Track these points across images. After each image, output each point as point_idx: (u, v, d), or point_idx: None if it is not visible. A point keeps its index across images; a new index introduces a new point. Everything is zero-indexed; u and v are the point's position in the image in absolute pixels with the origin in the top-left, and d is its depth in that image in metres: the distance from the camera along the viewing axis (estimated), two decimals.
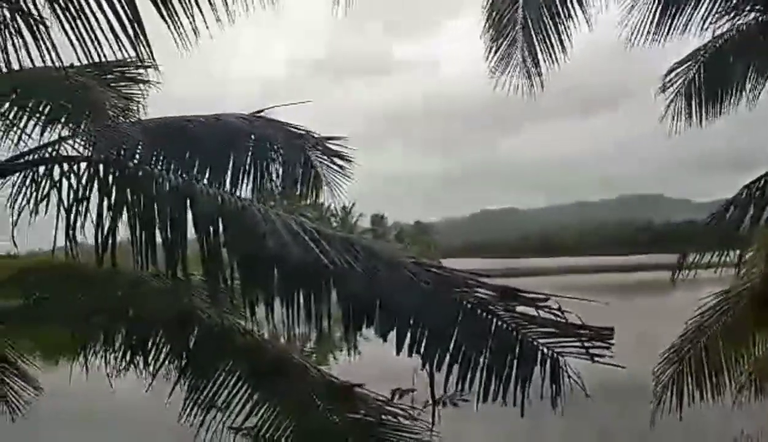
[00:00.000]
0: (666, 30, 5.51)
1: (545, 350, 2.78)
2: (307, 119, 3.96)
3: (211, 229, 2.72)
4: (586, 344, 2.71)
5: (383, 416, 3.73)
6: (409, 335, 2.82)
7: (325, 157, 3.95)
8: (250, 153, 3.48)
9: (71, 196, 2.91)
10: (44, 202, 2.99)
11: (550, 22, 5.90)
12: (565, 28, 5.85)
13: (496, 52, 6.27)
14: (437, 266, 3.18)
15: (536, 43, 6.06)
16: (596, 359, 2.68)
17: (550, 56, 6.05)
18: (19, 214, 2.97)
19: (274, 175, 3.61)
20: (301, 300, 2.82)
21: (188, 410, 3.67)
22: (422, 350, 2.82)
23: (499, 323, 2.84)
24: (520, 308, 2.87)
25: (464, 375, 2.81)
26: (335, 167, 4.02)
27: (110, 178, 2.93)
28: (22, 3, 2.99)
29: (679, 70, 6.30)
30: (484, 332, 2.83)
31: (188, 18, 2.87)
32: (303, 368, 3.80)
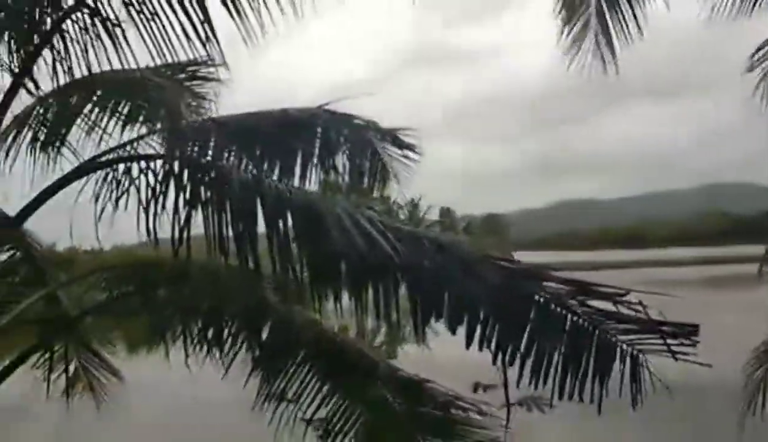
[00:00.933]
0: (751, 6, 5.13)
1: (624, 346, 2.65)
2: (378, 111, 3.95)
3: (280, 222, 2.76)
4: (668, 341, 2.55)
5: (452, 411, 3.69)
6: (479, 329, 2.76)
7: (394, 149, 3.93)
8: (317, 146, 3.50)
9: (149, 192, 3.02)
10: (124, 199, 3.10)
11: (626, 2, 5.63)
12: (641, 7, 5.56)
13: (568, 34, 6.04)
14: (508, 259, 3.09)
15: (611, 25, 5.81)
16: (679, 356, 2.53)
17: (626, 38, 5.79)
18: (102, 211, 3.10)
19: (341, 168, 3.62)
20: (369, 293, 2.82)
21: (261, 400, 3.77)
22: (493, 344, 2.75)
23: (575, 318, 2.72)
24: (598, 303, 2.75)
25: (538, 371, 2.72)
26: (403, 159, 3.99)
27: (185, 174, 3.01)
28: (100, 8, 3.15)
29: (767, 48, 5.86)
30: (558, 327, 2.73)
31: (255, 15, 2.94)
32: (372, 361, 3.80)
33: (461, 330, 2.74)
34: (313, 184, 3.44)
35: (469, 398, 3.73)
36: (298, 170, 3.38)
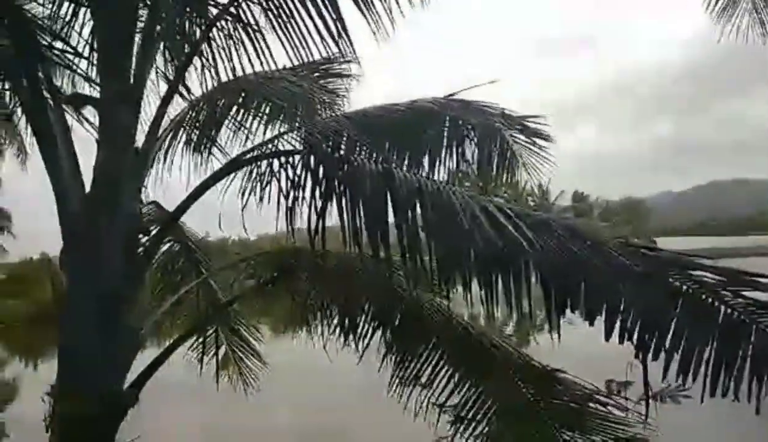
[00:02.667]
0: None
1: None
2: (508, 99, 3.89)
3: (410, 213, 2.81)
4: None
5: (589, 404, 3.56)
6: (619, 320, 2.63)
7: (523, 137, 3.85)
8: (445, 136, 3.52)
9: (288, 185, 3.20)
10: (267, 192, 3.31)
11: None
12: None
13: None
14: (649, 246, 2.91)
15: None
16: None
17: None
18: (245, 204, 3.33)
19: (469, 157, 3.61)
20: (499, 282, 2.79)
21: (394, 385, 3.88)
22: (635, 337, 2.61)
23: (728, 310, 2.51)
24: (754, 294, 2.51)
25: (685, 367, 2.54)
26: (533, 147, 3.90)
27: (320, 168, 3.16)
28: (242, 15, 3.39)
29: None
30: (708, 319, 2.52)
31: (385, 9, 3.02)
32: (505, 350, 3.77)
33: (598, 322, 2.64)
34: (442, 174, 3.47)
35: (610, 393, 3.58)
36: (427, 160, 3.43)
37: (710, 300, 2.55)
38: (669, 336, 2.54)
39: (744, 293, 2.52)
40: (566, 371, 3.64)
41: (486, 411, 3.69)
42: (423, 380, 3.86)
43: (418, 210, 2.79)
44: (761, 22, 5.36)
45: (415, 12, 3.07)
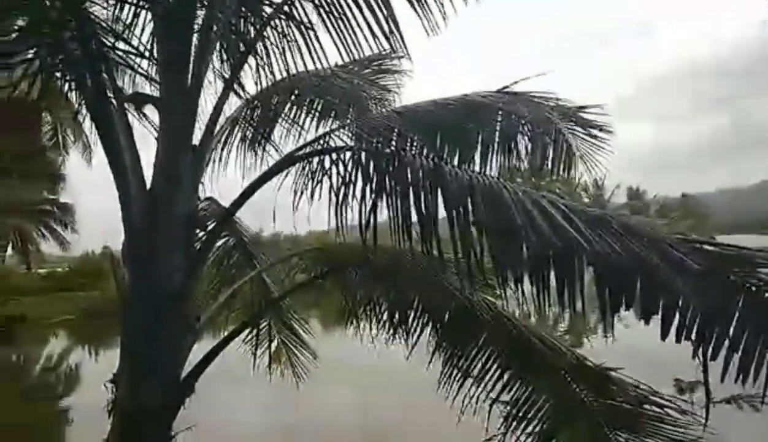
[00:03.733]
0: None
1: None
2: (562, 90, 3.80)
3: (461, 208, 2.79)
4: None
5: (644, 405, 3.46)
6: (677, 319, 2.55)
7: (579, 129, 3.76)
8: (497, 129, 3.48)
9: (339, 181, 3.23)
10: (318, 188, 3.35)
11: None
12: None
13: None
14: (710, 242, 2.81)
15: None
16: None
17: None
18: (299, 200, 3.38)
19: (522, 151, 3.56)
20: (552, 279, 2.75)
21: (444, 380, 3.87)
22: (693, 336, 2.52)
23: None
24: None
25: (746, 367, 2.45)
26: (590, 139, 3.81)
27: (371, 164, 3.17)
28: (295, 13, 3.45)
29: None
30: None
31: (437, 4, 3.01)
32: (557, 348, 3.71)
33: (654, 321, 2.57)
34: (494, 169, 3.43)
35: (667, 394, 3.47)
36: (478, 155, 3.40)
37: None
38: (729, 335, 2.45)
39: None
40: (620, 370, 3.55)
41: (538, 410, 3.64)
42: (473, 377, 3.84)
43: (470, 206, 2.77)
44: None
45: (468, 6, 3.05)
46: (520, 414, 3.65)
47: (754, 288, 2.47)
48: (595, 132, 3.85)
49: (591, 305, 2.75)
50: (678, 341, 2.56)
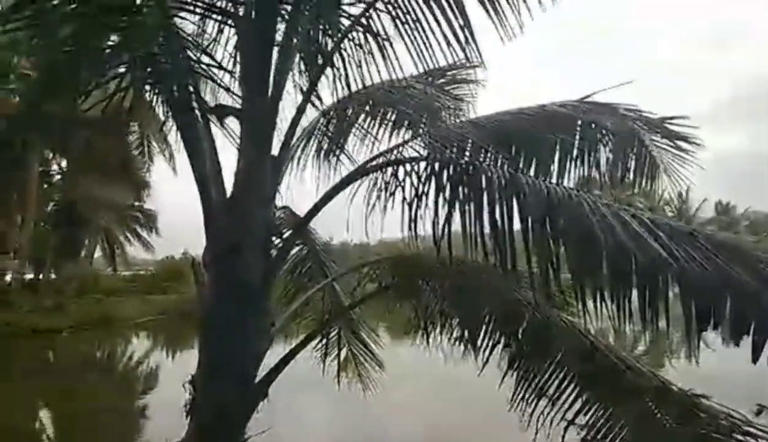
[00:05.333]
0: None
1: None
2: (649, 102, 3.65)
3: (538, 219, 2.71)
4: None
5: (736, 436, 3.23)
6: None
7: (665, 141, 3.59)
8: (576, 140, 3.37)
9: (413, 193, 3.22)
10: (392, 199, 3.36)
11: None
12: None
13: None
14: None
15: None
16: None
17: None
18: (371, 209, 3.39)
19: (603, 162, 3.43)
20: (635, 296, 2.62)
21: (518, 399, 3.76)
22: None
23: None
24: None
25: None
26: (676, 151, 3.63)
27: (444, 175, 3.15)
28: (372, 25, 3.48)
29: None
30: None
31: (513, 12, 2.96)
32: (639, 371, 3.53)
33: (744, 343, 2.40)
34: (572, 180, 3.33)
35: (759, 423, 3.23)
36: (557, 166, 3.30)
37: None
38: None
39: None
40: (710, 397, 3.33)
41: (616, 436, 3.47)
42: (548, 396, 3.71)
43: (547, 218, 2.69)
44: None
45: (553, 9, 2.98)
46: (597, 438, 3.49)
47: None
48: (680, 144, 3.67)
49: (674, 325, 2.60)
50: None
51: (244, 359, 3.34)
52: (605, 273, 2.64)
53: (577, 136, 3.38)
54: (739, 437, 3.15)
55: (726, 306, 2.43)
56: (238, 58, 3.70)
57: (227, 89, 3.92)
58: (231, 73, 3.73)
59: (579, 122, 3.40)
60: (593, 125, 3.41)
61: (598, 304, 2.64)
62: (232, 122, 3.62)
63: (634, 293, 2.62)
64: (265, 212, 3.39)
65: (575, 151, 3.35)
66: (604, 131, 3.43)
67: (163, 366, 17.90)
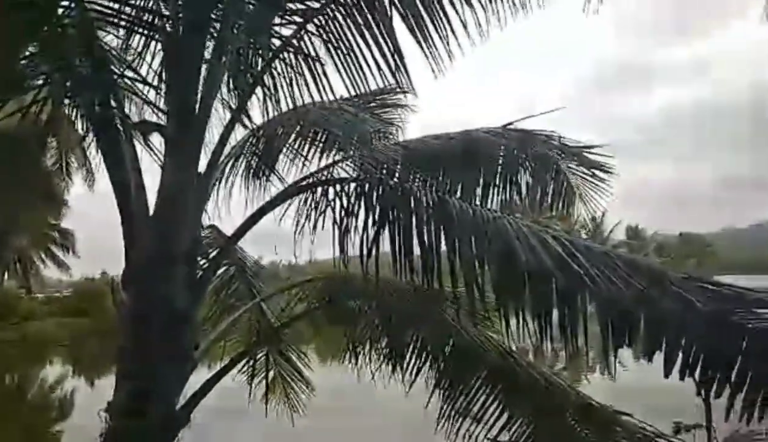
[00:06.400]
0: None
1: None
2: (570, 131, 3.85)
3: (463, 241, 2.79)
4: None
5: None
6: (680, 356, 2.53)
7: (582, 168, 3.79)
8: (499, 165, 3.50)
9: (342, 213, 3.24)
10: (320, 219, 3.36)
11: None
12: None
13: None
14: (711, 282, 2.80)
15: None
16: None
17: None
18: (301, 229, 3.38)
19: (524, 187, 3.57)
20: (554, 315, 2.73)
21: (444, 418, 3.81)
22: (696, 374, 2.50)
23: None
24: None
25: (750, 407, 2.41)
26: (591, 178, 3.83)
27: (374, 196, 3.19)
28: (303, 47, 3.50)
29: None
30: None
31: (442, 41, 3.05)
32: (561, 388, 3.66)
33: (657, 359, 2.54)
34: (495, 204, 3.45)
35: (670, 435, 3.42)
36: (480, 190, 3.41)
37: None
38: (734, 374, 2.42)
39: None
40: (630, 414, 3.49)
41: None
42: (472, 415, 3.78)
43: (473, 240, 2.77)
44: None
45: (472, 45, 3.09)
46: None
47: (756, 329, 2.45)
48: (597, 172, 3.88)
49: (593, 342, 2.72)
50: (682, 378, 2.53)
51: (165, 384, 3.21)
52: (527, 293, 2.74)
53: (501, 162, 3.51)
54: None
55: (640, 324, 2.57)
56: (163, 74, 3.62)
57: (153, 105, 3.82)
58: (156, 88, 3.64)
59: (502, 148, 3.53)
60: (515, 151, 3.55)
61: (521, 322, 2.73)
62: (158, 139, 3.53)
63: (555, 311, 2.73)
64: (190, 231, 3.30)
65: (498, 176, 3.47)
66: (525, 157, 3.58)
67: (79, 392, 16.92)
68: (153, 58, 3.77)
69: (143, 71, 3.78)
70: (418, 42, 3.04)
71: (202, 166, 3.43)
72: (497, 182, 3.61)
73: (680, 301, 2.52)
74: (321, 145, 4.24)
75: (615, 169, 3.81)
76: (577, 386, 4.57)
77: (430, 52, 3.06)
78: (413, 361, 4.06)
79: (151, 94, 3.89)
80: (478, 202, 3.45)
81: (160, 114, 3.73)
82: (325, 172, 3.65)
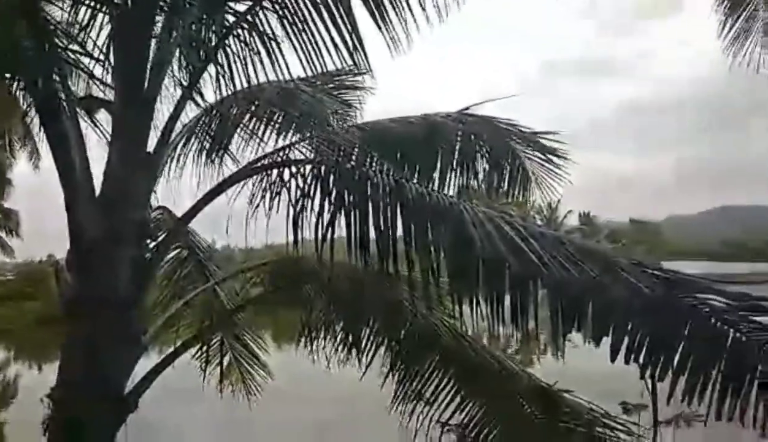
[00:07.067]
0: None
1: None
2: (529, 119, 3.87)
3: (419, 226, 2.78)
4: None
5: (595, 428, 3.50)
6: (626, 341, 2.59)
7: (537, 154, 3.83)
8: (456, 150, 3.50)
9: (297, 195, 3.18)
10: (276, 201, 3.29)
11: None
12: None
13: (731, 27, 5.50)
14: (659, 267, 2.88)
15: None
16: None
17: None
18: (254, 212, 3.30)
19: (480, 173, 3.59)
20: (507, 299, 2.76)
21: (398, 401, 3.83)
22: (641, 358, 2.57)
23: (737, 334, 2.47)
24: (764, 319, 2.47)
25: (692, 389, 2.50)
26: (547, 164, 3.88)
27: (330, 178, 3.14)
28: (258, 24, 3.41)
29: None
30: (717, 342, 2.48)
31: (400, 23, 3.01)
32: (510, 370, 3.72)
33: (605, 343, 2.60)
34: (452, 188, 3.45)
35: (616, 416, 3.53)
36: (438, 175, 3.41)
37: (718, 323, 2.52)
38: (676, 358, 2.50)
39: (752, 317, 2.48)
40: (575, 392, 3.58)
41: (489, 431, 3.64)
42: (426, 397, 3.82)
43: (430, 225, 2.76)
44: None
45: (430, 27, 3.07)
46: (472, 436, 3.64)
47: (699, 313, 2.53)
48: (552, 158, 3.93)
49: (544, 326, 2.76)
50: (627, 363, 2.60)
51: (110, 370, 3.11)
52: (481, 278, 2.76)
53: (458, 147, 3.51)
54: (599, 429, 3.42)
55: (588, 309, 2.62)
56: (111, 49, 3.47)
57: (100, 81, 3.67)
58: (103, 63, 3.50)
59: (459, 134, 3.53)
60: (473, 137, 3.56)
61: (474, 306, 2.75)
62: (105, 116, 3.40)
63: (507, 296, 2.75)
64: (138, 212, 3.19)
65: (455, 162, 3.47)
66: (482, 143, 3.59)
67: (23, 379, 16.40)
68: (100, 31, 3.61)
69: (90, 46, 3.62)
70: (376, 22, 2.99)
71: (152, 145, 3.32)
72: (455, 167, 3.61)
73: (628, 287, 2.58)
74: (277, 125, 4.15)
75: (570, 155, 3.87)
76: (530, 368, 4.65)
77: (389, 33, 3.01)
78: (368, 346, 4.06)
79: (98, 70, 3.75)
80: (435, 187, 3.45)
81: (107, 90, 3.59)
82: (281, 154, 3.58)
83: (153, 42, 3.21)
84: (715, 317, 2.52)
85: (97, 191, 3.15)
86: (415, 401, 3.81)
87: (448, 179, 3.59)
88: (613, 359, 2.60)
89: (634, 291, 2.58)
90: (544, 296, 2.71)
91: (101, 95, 3.58)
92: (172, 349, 3.77)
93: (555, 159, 3.87)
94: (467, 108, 3.70)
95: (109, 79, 3.48)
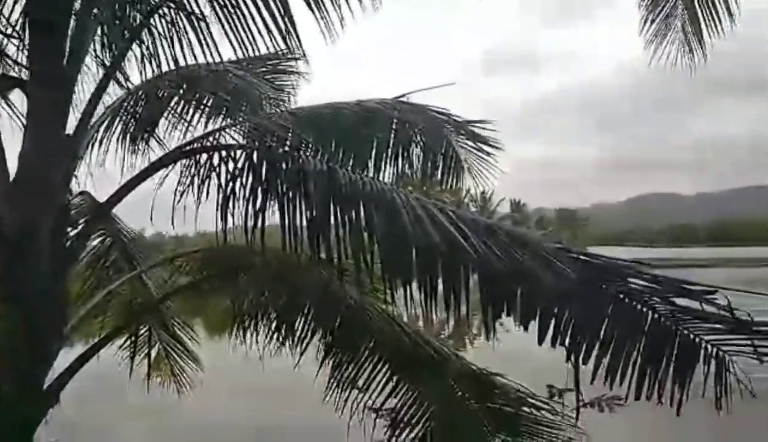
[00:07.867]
0: None
1: (709, 347, 2.51)
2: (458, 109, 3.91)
3: (353, 212, 2.77)
4: (756, 343, 2.40)
5: (523, 408, 3.63)
6: (552, 325, 2.68)
7: (470, 143, 3.89)
8: (391, 138, 3.51)
9: (227, 179, 3.10)
10: (206, 187, 3.19)
11: None
12: None
13: (652, 22, 5.72)
14: (584, 253, 2.99)
15: (699, 13, 5.45)
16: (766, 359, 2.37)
17: (715, 26, 5.40)
18: (181, 197, 3.20)
19: (415, 160, 3.62)
20: (440, 285, 2.80)
21: (331, 388, 3.83)
22: (566, 341, 2.67)
23: (656, 316, 2.60)
24: (681, 302, 2.62)
25: (613, 371, 2.62)
26: (479, 153, 3.95)
27: (263, 164, 3.08)
28: (186, 3, 3.28)
29: None
30: (637, 325, 2.61)
31: (334, 8, 2.97)
32: (443, 353, 3.79)
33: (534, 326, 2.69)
34: (387, 176, 3.46)
35: (542, 397, 3.66)
36: (372, 162, 3.41)
37: (639, 306, 2.64)
38: (599, 341, 2.61)
39: (672, 299, 2.62)
40: (504, 375, 3.69)
41: (422, 415, 3.70)
42: (360, 383, 3.84)
43: (362, 211, 2.76)
44: (690, 49, 5.57)
45: (364, 16, 3.04)
46: (405, 420, 3.69)
47: (621, 296, 2.65)
48: (484, 146, 4.00)
49: (474, 310, 2.82)
50: (553, 346, 2.69)
51: (28, 364, 2.95)
52: (414, 264, 2.78)
53: (393, 134, 3.52)
54: (526, 409, 3.55)
55: (517, 294, 2.70)
56: (26, 25, 3.25)
57: (12, 60, 3.44)
58: (17, 40, 3.27)
59: (395, 121, 3.54)
60: (407, 124, 3.58)
61: (407, 293, 2.78)
62: (19, 97, 3.19)
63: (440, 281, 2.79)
64: (56, 198, 3.03)
65: (390, 149, 3.48)
66: (416, 131, 3.61)
67: None
68: (14, 5, 3.38)
69: (2, 21, 3.38)
70: (309, 5, 2.94)
71: (72, 127, 3.14)
72: (389, 154, 3.62)
73: (554, 271, 2.67)
74: (207, 109, 4.02)
75: (501, 144, 3.95)
76: (463, 352, 4.75)
77: (322, 18, 2.97)
78: (303, 334, 4.03)
79: (11, 49, 3.51)
80: (370, 174, 3.45)
81: (21, 69, 3.36)
82: (211, 139, 3.47)
83: (72, 18, 3.03)
84: (635, 300, 2.65)
85: (12, 177, 2.96)
86: (349, 388, 3.83)
87: (383, 166, 3.59)
88: (540, 342, 2.69)
89: (560, 276, 2.67)
90: (475, 282, 2.77)
91: (14, 75, 3.35)
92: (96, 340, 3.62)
93: (486, 148, 3.94)
94: (402, 95, 3.71)
95: (23, 59, 3.26)
